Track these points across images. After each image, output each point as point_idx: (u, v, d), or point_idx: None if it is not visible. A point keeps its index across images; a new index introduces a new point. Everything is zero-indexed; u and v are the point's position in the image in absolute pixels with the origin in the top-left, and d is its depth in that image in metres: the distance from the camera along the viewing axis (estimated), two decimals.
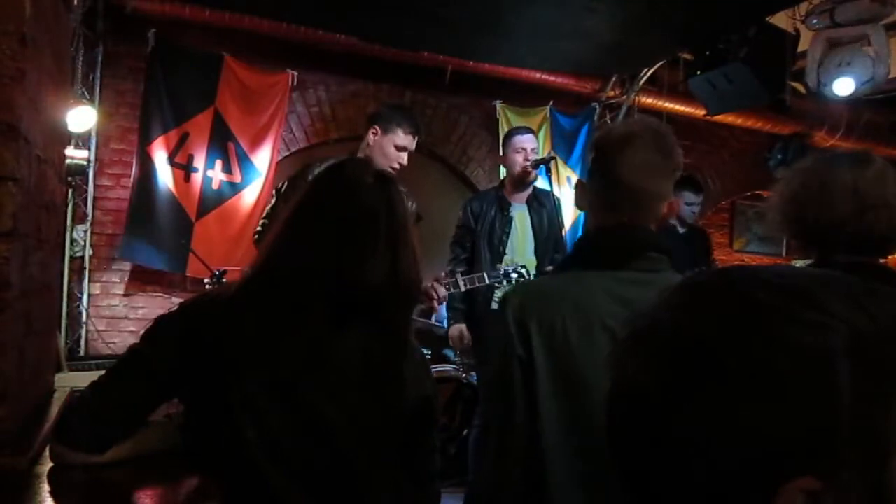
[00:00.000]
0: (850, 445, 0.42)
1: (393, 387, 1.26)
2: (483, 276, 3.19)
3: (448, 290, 2.98)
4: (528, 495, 1.18)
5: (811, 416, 0.42)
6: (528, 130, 3.61)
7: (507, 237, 3.46)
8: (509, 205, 3.47)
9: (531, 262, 3.48)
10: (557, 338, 1.17)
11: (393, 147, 2.75)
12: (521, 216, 3.47)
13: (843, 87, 4.18)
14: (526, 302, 1.23)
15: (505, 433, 1.21)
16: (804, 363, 0.43)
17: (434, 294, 2.86)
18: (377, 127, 2.78)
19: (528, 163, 3.42)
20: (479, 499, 1.32)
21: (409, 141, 2.78)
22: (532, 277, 3.26)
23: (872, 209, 1.34)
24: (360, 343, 1.22)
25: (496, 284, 3.26)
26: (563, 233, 3.57)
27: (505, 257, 3.47)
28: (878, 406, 0.42)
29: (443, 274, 3.04)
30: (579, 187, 1.37)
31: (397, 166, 2.78)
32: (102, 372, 1.26)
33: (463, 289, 3.10)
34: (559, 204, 3.58)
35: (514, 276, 3.21)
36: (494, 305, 3.47)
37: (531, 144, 3.47)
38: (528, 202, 3.53)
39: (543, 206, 3.55)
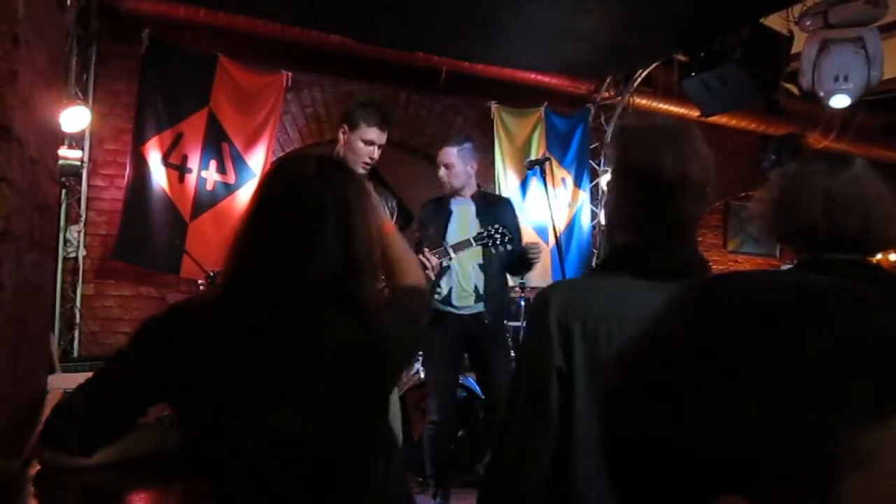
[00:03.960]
0: (787, 467, 0.41)
1: (381, 370, 1.27)
2: (469, 239, 3.17)
3: (439, 258, 2.96)
4: None
5: (744, 436, 0.42)
6: (454, 143, 3.52)
7: (447, 226, 3.42)
8: (449, 202, 3.49)
9: (476, 253, 3.42)
10: (601, 344, 1.09)
11: (360, 142, 2.75)
12: (463, 209, 3.46)
13: (840, 102, 4.23)
14: (569, 301, 1.13)
15: (534, 447, 1.11)
16: (742, 386, 0.43)
17: (427, 263, 2.86)
18: (345, 125, 2.80)
19: (442, 178, 3.42)
20: None
21: (375, 134, 2.76)
22: (511, 241, 3.25)
23: (843, 210, 1.36)
24: (341, 333, 1.22)
25: (482, 245, 3.24)
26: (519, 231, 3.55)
27: (445, 243, 3.39)
28: (820, 431, 0.40)
29: (429, 247, 3.02)
30: (608, 199, 1.28)
31: (369, 161, 2.78)
32: None
33: (453, 255, 3.10)
34: (511, 208, 3.60)
35: (498, 236, 3.19)
36: (436, 304, 3.42)
37: (446, 159, 3.43)
38: (473, 197, 3.52)
39: (494, 203, 3.57)
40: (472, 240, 3.17)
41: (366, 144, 2.75)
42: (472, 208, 3.48)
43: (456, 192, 3.47)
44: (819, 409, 0.41)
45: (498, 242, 3.22)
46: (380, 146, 2.79)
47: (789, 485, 0.41)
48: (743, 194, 6.84)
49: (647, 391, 0.48)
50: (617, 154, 1.26)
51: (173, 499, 1.27)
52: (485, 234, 3.20)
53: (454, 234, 3.38)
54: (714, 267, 5.75)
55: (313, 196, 1.24)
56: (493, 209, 3.50)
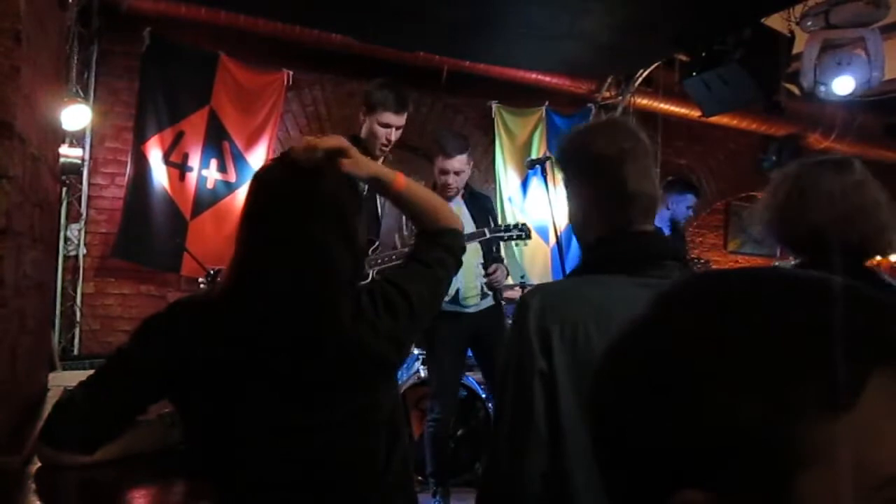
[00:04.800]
0: (744, 462, 0.41)
1: (379, 368, 1.26)
2: (484, 231, 3.18)
3: None
4: None
5: (701, 432, 0.42)
6: (460, 150, 3.34)
7: None
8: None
9: (476, 252, 3.45)
10: (580, 345, 1.11)
11: (377, 125, 2.80)
12: (456, 209, 3.48)
13: (843, 86, 4.22)
14: (546, 305, 1.16)
15: (523, 452, 1.13)
16: (697, 382, 0.43)
17: None
18: (364, 108, 2.85)
19: (450, 185, 3.36)
20: None
21: (390, 117, 2.80)
22: (528, 238, 3.28)
23: (844, 217, 1.39)
24: (339, 332, 1.22)
25: (497, 238, 3.28)
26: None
27: None
28: (776, 426, 0.40)
29: None
30: (574, 203, 1.33)
31: (386, 143, 2.83)
32: None
33: (465, 242, 3.11)
34: (492, 204, 3.69)
35: (515, 231, 3.21)
36: (452, 307, 3.45)
37: (456, 167, 3.34)
38: (463, 197, 3.53)
39: (480, 202, 3.59)
40: (486, 231, 3.17)
41: (382, 127, 2.79)
42: (465, 211, 3.50)
43: (456, 195, 3.49)
44: (774, 404, 0.41)
45: (514, 237, 3.24)
46: (398, 128, 2.83)
47: (747, 479, 0.41)
48: (743, 195, 6.85)
49: (613, 389, 0.49)
50: (561, 158, 1.35)
51: (174, 496, 1.27)
52: (502, 228, 3.22)
53: None
54: (715, 267, 5.75)
55: (296, 203, 1.24)
56: (481, 210, 3.55)
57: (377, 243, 3.00)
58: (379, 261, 2.94)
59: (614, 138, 1.27)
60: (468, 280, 3.47)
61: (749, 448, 0.41)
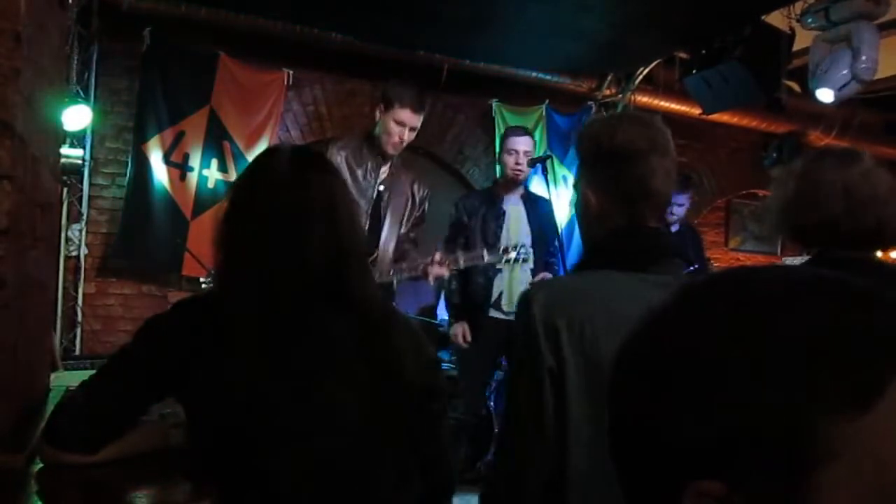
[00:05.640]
0: (762, 455, 0.41)
1: (392, 365, 1.26)
2: (482, 254, 3.13)
3: (450, 268, 2.91)
4: None
5: (721, 423, 0.43)
6: (524, 132, 3.62)
7: (501, 230, 3.47)
8: (501, 200, 3.50)
9: (528, 256, 3.49)
10: (587, 341, 1.09)
11: (393, 123, 2.79)
12: (514, 210, 3.49)
13: (825, 96, 4.24)
14: (552, 299, 1.14)
15: (532, 449, 1.12)
16: (719, 374, 0.44)
17: (430, 272, 2.79)
18: (381, 104, 2.85)
19: (519, 165, 3.46)
20: None
21: (407, 116, 2.80)
22: (530, 256, 3.23)
23: (861, 207, 1.38)
24: (341, 331, 1.22)
25: (497, 264, 3.23)
26: (558, 234, 3.57)
27: (499, 245, 3.47)
28: (794, 420, 0.41)
29: (437, 255, 2.91)
30: (587, 194, 1.29)
31: (398, 141, 2.82)
32: None
33: (462, 265, 3.03)
34: (552, 208, 3.60)
35: (514, 254, 3.18)
36: (493, 313, 3.48)
37: (524, 147, 3.49)
38: (522, 198, 3.56)
39: (538, 205, 3.59)
40: (484, 254, 3.12)
41: (397, 125, 2.79)
42: (523, 211, 3.52)
43: (518, 185, 3.53)
44: (794, 398, 0.41)
45: (513, 260, 3.21)
46: (412, 128, 2.84)
47: (765, 473, 0.41)
48: (744, 192, 6.84)
49: (634, 380, 0.50)
50: (580, 144, 1.30)
51: (176, 496, 1.27)
52: (501, 251, 3.16)
53: (506, 238, 3.42)
54: (716, 265, 5.75)
55: (291, 199, 1.22)
56: (539, 214, 3.56)
57: (375, 255, 2.91)
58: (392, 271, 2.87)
59: (646, 131, 1.22)
60: (515, 286, 3.46)
61: (768, 443, 0.41)
